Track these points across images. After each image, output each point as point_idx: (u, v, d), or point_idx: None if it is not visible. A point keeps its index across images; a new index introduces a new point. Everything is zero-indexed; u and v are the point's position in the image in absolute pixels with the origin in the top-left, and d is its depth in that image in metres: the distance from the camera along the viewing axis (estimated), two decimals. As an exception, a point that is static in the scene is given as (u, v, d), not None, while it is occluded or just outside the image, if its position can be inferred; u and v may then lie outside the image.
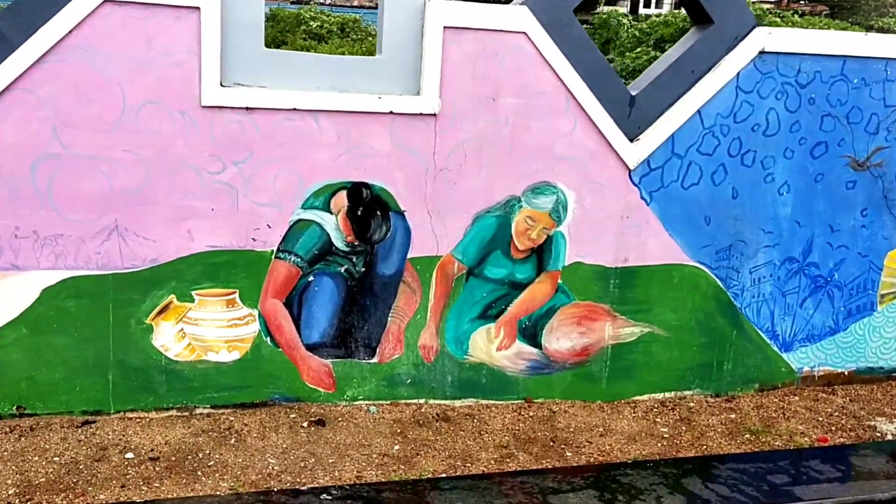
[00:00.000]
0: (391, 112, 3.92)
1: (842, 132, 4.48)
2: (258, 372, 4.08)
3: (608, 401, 4.54)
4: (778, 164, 4.45)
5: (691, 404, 4.57)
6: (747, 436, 4.21)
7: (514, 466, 3.80)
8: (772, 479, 3.56)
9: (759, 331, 4.68)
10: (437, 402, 4.35)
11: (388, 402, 4.29)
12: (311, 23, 25.85)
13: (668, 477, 3.59)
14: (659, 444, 4.10)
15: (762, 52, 4.26)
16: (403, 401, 4.32)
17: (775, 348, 4.73)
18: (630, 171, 4.28)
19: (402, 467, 3.70)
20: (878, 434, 4.27)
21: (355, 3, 57.12)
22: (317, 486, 3.45)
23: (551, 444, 4.03)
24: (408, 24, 3.93)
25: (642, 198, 4.34)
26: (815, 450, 3.94)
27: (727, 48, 4.25)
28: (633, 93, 4.25)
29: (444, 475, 3.64)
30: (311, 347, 4.13)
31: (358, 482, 3.50)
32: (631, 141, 4.25)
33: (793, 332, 4.72)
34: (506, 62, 4.01)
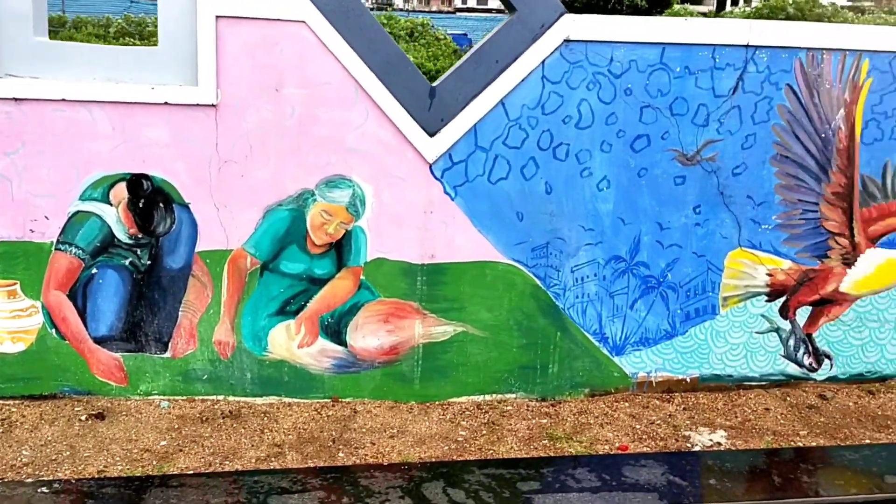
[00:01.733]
0: (166, 103, 3.87)
1: (665, 124, 4.23)
2: (45, 364, 4.08)
3: (421, 402, 4.40)
4: (595, 158, 4.24)
5: (509, 408, 4.38)
6: (545, 442, 4.02)
7: (278, 465, 3.70)
8: (521, 485, 3.37)
9: (585, 333, 4.46)
10: (237, 398, 4.28)
11: (184, 397, 4.24)
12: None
13: (413, 480, 3.43)
14: (446, 448, 3.94)
15: (567, 41, 4.07)
16: (200, 397, 4.26)
17: (605, 352, 4.50)
18: (430, 164, 4.14)
19: (156, 462, 3.64)
20: (689, 445, 4.01)
21: (433, 8, 57.92)
22: (43, 479, 3.41)
23: (331, 444, 3.92)
24: (184, 14, 3.88)
25: (446, 192, 4.18)
26: (593, 458, 3.72)
27: (533, 37, 4.07)
28: (435, 84, 4.11)
29: (190, 472, 3.57)
30: (100, 340, 4.11)
31: (90, 477, 3.45)
32: (433, 134, 4.10)
33: (624, 335, 4.49)
34: (287, 51, 3.92)
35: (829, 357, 4.65)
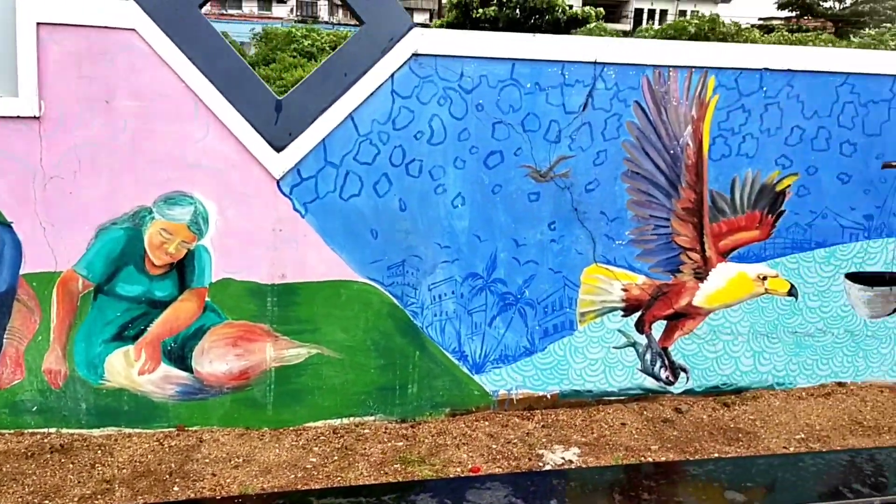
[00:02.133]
0: (-18, 115, 3.60)
1: (518, 140, 4.22)
2: None
3: (275, 428, 4.22)
4: (449, 175, 4.18)
5: (366, 431, 4.25)
6: (396, 466, 3.90)
7: (102, 502, 3.45)
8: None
9: (445, 351, 4.38)
10: (70, 431, 3.99)
11: (12, 431, 3.93)
12: (303, 41, 25.91)
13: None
14: (293, 476, 3.77)
15: (417, 55, 4.00)
16: (29, 430, 3.96)
17: (465, 370, 4.43)
18: (278, 180, 3.99)
19: (-36, 506, 3.35)
20: (541, 464, 3.97)
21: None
22: None
23: (167, 477, 3.69)
24: (3, 21, 3.62)
25: (296, 209, 4.04)
26: (439, 482, 3.63)
27: (382, 50, 3.99)
28: (281, 98, 3.97)
29: (1, 514, 3.29)
30: (-89, 372, 3.76)
31: None
32: (280, 149, 3.96)
33: (484, 352, 4.43)
34: (117, 62, 3.71)
35: (685, 370, 4.72)
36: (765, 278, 4.65)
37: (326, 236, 4.10)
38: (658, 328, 4.64)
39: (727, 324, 4.70)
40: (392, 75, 4.00)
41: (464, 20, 36.43)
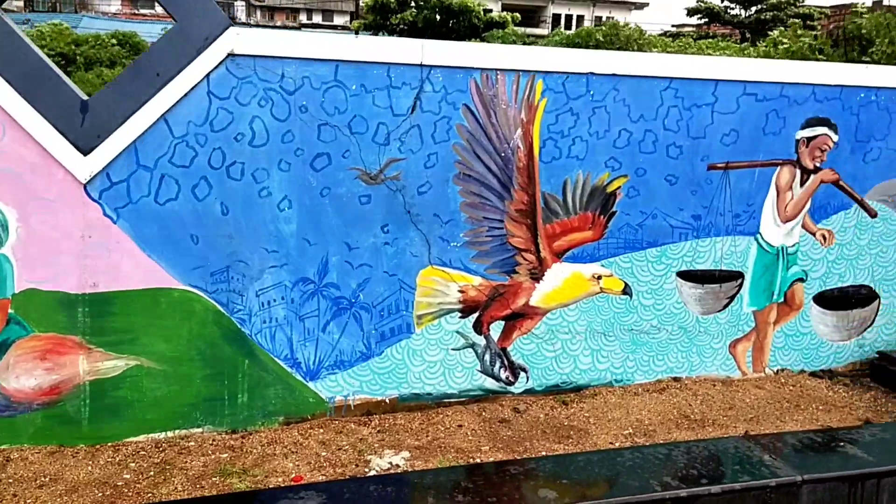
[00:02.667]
0: None
1: (346, 143, 4.16)
2: None
3: (92, 444, 4.01)
4: (273, 178, 4.08)
5: (191, 444, 4.10)
6: (215, 479, 3.77)
7: None
8: (153, 534, 3.10)
9: (276, 359, 4.28)
10: None
11: None
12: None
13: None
14: (100, 495, 3.59)
15: (233, 55, 3.89)
16: None
17: (299, 377, 4.34)
18: (85, 185, 3.79)
19: None
20: (367, 470, 3.92)
21: (279, 23, 55.90)
22: None
23: (-42, 502, 3.45)
24: None
25: (106, 215, 3.86)
26: (258, 493, 3.52)
27: (197, 50, 3.85)
28: (87, 98, 3.78)
29: None
30: None
31: None
32: (87, 152, 3.76)
33: (317, 358, 4.35)
34: None
35: (524, 370, 4.76)
36: (599, 278, 4.75)
37: (142, 242, 3.93)
38: (496, 329, 4.67)
39: (564, 323, 4.78)
40: (208, 76, 3.88)
41: (382, 22, 36.32)
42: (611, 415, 4.62)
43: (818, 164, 4.97)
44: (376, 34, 36.53)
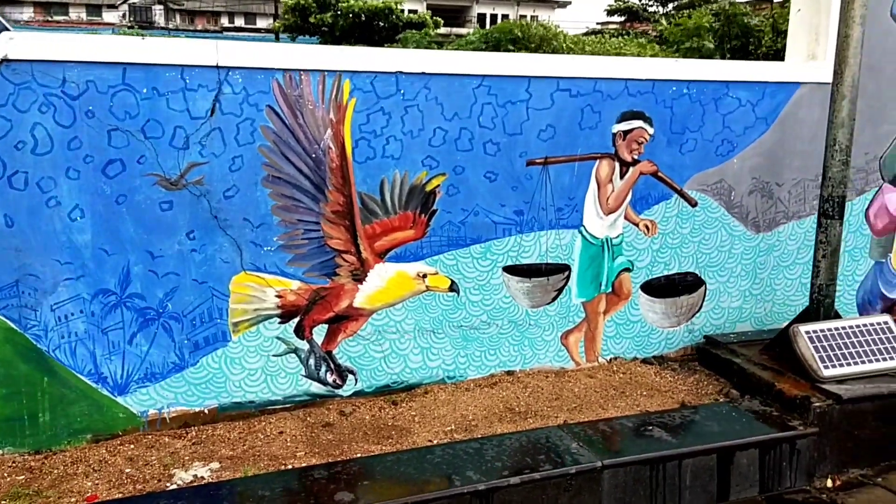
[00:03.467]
0: None
1: (140, 148, 4.03)
2: None
3: None
4: (61, 186, 3.92)
5: (-15, 469, 3.89)
6: (4, 502, 3.58)
7: None
8: None
9: (79, 375, 4.11)
10: None
11: None
12: None
13: None
14: None
15: (7, 60, 3.71)
16: None
17: (106, 392, 4.18)
18: None
19: None
20: (168, 484, 3.80)
21: (199, 27, 54.36)
22: None
23: None
24: None
25: None
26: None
27: (-33, 54, 3.65)
28: None
29: None
30: None
31: None
32: None
33: (125, 372, 4.20)
34: None
35: (352, 372, 4.72)
36: (425, 276, 4.75)
37: (-85, 259, 3.71)
38: (320, 332, 4.61)
39: (391, 323, 4.76)
40: (-22, 82, 3.69)
41: (302, 24, 35.68)
42: (437, 412, 4.63)
43: (636, 157, 5.12)
44: (296, 37, 36.08)
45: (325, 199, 4.44)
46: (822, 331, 4.69)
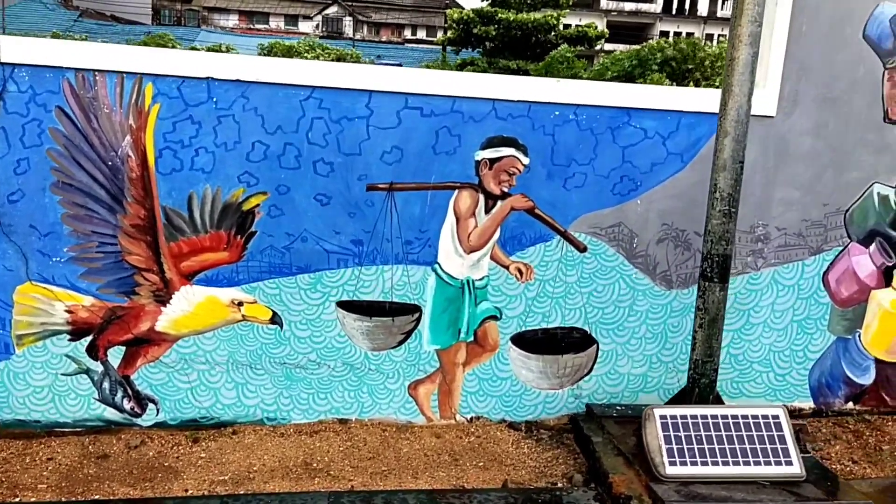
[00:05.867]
0: None
1: (-85, 144, 3.86)
2: None
3: None
4: None
5: None
6: None
7: None
8: None
9: None
10: None
11: None
12: (306, 55, 26.14)
13: None
14: None
15: None
16: None
17: None
18: None
19: None
20: None
21: (383, 39, 57.71)
22: None
23: None
24: None
25: None
26: None
27: None
28: None
29: None
30: None
31: None
32: None
33: None
34: None
35: (153, 401, 4.35)
36: (241, 304, 4.31)
37: None
38: (117, 354, 4.27)
39: (201, 352, 4.34)
40: None
41: (466, 37, 35.26)
42: (229, 457, 4.15)
43: (506, 189, 4.43)
44: (460, 49, 36.54)
45: (124, 210, 4.10)
46: (682, 417, 3.80)
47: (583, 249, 4.57)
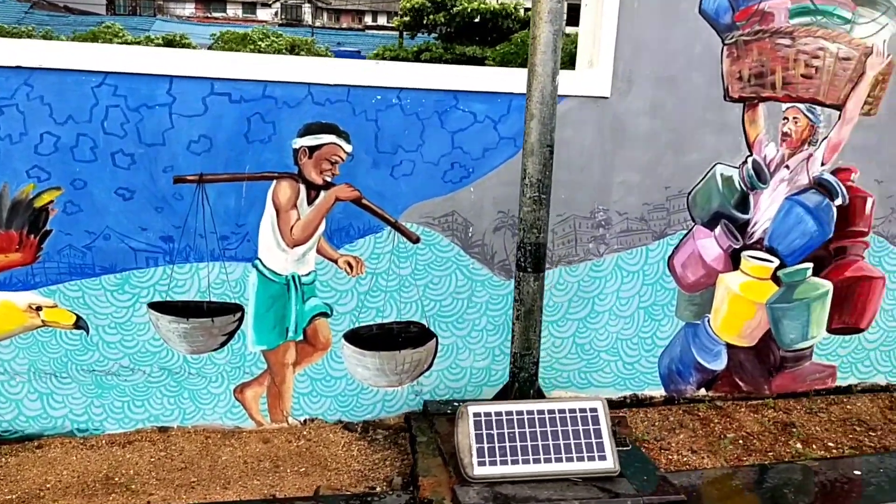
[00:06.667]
0: None
1: None
2: None
3: None
4: None
5: None
6: None
7: None
8: None
9: None
10: None
11: None
12: (260, 43, 25.53)
13: None
14: None
15: None
16: None
17: None
18: None
19: None
20: None
21: (344, 25, 56.31)
22: None
23: None
24: None
25: None
26: None
27: None
28: None
29: None
30: None
31: None
32: None
33: None
34: None
35: (-55, 416, 4.01)
36: (39, 308, 4.00)
37: None
38: None
39: (1, 361, 4.02)
40: None
41: (418, 23, 34.73)
42: (23, 474, 3.85)
43: (329, 179, 4.19)
44: (415, 34, 35.90)
45: None
46: (496, 414, 3.63)
47: (416, 240, 4.37)
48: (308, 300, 4.32)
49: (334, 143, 4.15)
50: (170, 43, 24.38)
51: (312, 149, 4.13)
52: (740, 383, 4.98)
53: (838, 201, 4.76)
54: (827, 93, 4.60)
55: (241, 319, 4.26)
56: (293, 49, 26.01)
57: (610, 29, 4.30)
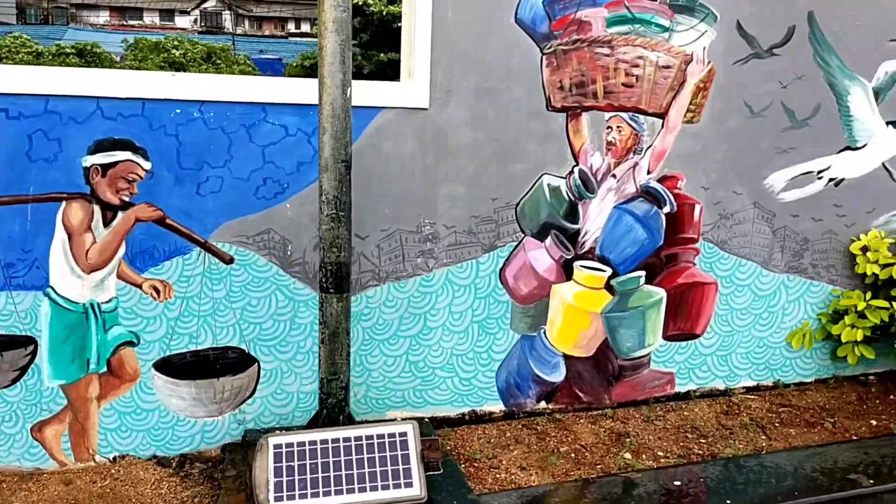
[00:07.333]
0: None
1: None
2: None
3: None
4: None
5: None
6: None
7: None
8: None
9: None
10: None
11: None
12: (174, 51, 24.20)
13: None
14: None
15: None
16: None
17: None
18: None
19: None
20: None
21: (266, 33, 54.15)
22: None
23: None
24: None
25: None
26: None
27: None
28: None
29: None
30: None
31: None
32: None
33: None
34: None
35: None
36: None
37: None
38: None
39: None
40: None
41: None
42: None
43: (126, 199, 3.91)
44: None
45: None
46: (299, 444, 3.44)
47: (229, 261, 4.14)
48: (111, 329, 4.03)
49: (130, 160, 3.89)
50: (80, 52, 23.13)
51: (105, 167, 3.86)
52: (580, 394, 4.94)
53: (666, 209, 4.78)
54: (649, 101, 4.62)
55: (34, 353, 3.94)
56: (209, 57, 25.17)
57: (424, 39, 4.19)
